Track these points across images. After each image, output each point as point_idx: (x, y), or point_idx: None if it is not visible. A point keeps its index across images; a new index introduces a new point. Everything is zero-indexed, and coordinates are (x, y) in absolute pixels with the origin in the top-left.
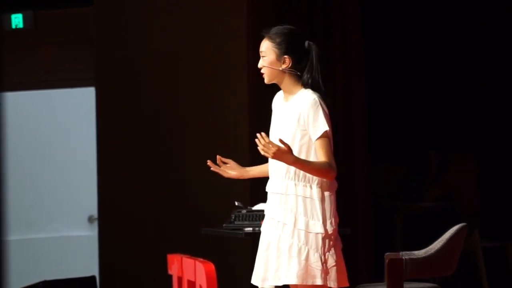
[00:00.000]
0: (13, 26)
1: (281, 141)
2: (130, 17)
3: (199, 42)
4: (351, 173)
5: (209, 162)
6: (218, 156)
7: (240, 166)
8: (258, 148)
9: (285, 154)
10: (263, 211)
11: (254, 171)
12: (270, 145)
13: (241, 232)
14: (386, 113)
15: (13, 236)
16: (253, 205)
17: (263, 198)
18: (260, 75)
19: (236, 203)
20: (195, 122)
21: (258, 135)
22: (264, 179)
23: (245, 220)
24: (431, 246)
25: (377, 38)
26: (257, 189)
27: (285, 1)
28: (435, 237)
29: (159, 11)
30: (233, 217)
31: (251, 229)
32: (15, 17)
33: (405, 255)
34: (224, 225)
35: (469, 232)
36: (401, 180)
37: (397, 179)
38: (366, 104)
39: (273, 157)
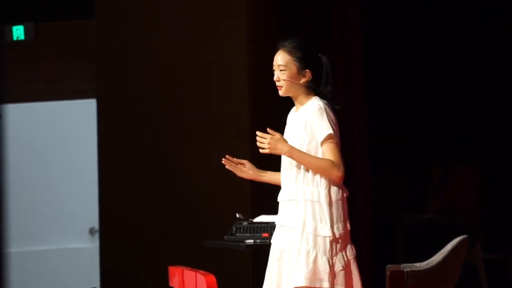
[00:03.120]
0: (15, 38)
1: (270, 130)
2: (131, 30)
3: (199, 54)
4: (352, 185)
5: (224, 160)
6: (234, 158)
7: (255, 168)
8: (258, 145)
9: (278, 142)
10: (264, 223)
11: (268, 176)
12: (264, 138)
13: (242, 244)
14: (387, 125)
15: (14, 248)
16: (254, 217)
17: (264, 210)
18: (261, 84)
19: (237, 215)
20: (197, 134)
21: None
22: (268, 190)
23: (246, 232)
24: (432, 258)
25: (378, 48)
26: (258, 201)
27: (284, 8)
28: (437, 249)
29: (160, 24)
30: (234, 229)
31: (252, 241)
32: (16, 29)
33: (407, 267)
34: (225, 237)
35: (471, 244)
36: (402, 192)
37: (398, 191)
38: (366, 114)
39: (269, 149)
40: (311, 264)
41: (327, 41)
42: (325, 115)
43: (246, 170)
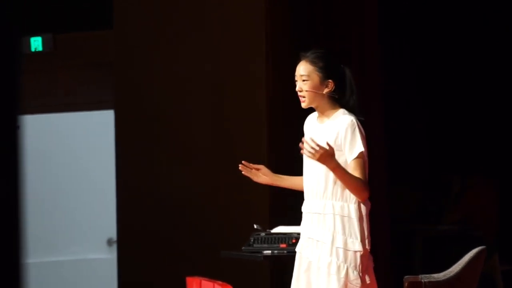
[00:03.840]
0: (33, 49)
1: (328, 144)
2: (149, 40)
3: (218, 65)
4: (370, 196)
5: (241, 166)
6: (251, 164)
7: (272, 173)
8: (303, 151)
9: (329, 157)
10: (282, 234)
11: (286, 181)
12: (317, 148)
13: (260, 255)
14: (404, 136)
15: (32, 259)
16: (272, 228)
17: (282, 221)
18: (278, 92)
19: (255, 226)
20: (214, 145)
21: (303, 140)
22: (286, 201)
23: (264, 243)
24: (450, 269)
25: (395, 59)
26: (276, 212)
27: (302, 17)
28: (454, 260)
29: (178, 35)
30: (252, 240)
31: (270, 252)
32: (35, 40)
33: (424, 278)
34: (243, 248)
35: (488, 255)
36: (420, 203)
37: (416, 202)
38: (384, 126)
39: (318, 159)
40: (342, 279)
41: (345, 55)
42: (357, 131)
43: (262, 175)
